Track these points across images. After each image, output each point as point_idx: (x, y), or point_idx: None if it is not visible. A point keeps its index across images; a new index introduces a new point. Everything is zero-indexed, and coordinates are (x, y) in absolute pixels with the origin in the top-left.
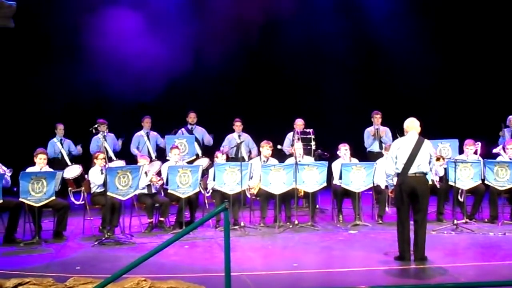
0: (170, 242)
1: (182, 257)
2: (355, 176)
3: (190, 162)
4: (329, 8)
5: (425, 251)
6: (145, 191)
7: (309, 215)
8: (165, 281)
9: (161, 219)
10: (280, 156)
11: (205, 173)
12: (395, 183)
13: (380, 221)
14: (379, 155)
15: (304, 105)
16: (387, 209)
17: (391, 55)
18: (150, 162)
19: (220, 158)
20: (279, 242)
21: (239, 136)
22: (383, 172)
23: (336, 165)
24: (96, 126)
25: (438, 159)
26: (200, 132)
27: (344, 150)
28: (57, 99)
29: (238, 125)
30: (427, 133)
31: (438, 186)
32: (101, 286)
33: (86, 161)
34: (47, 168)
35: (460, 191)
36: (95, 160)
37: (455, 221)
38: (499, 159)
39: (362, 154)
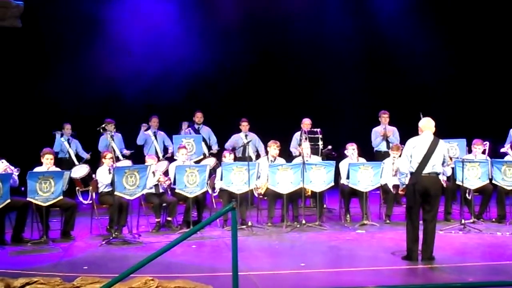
0: (177, 242)
1: (190, 256)
2: (362, 175)
3: (197, 162)
4: (337, 7)
5: (433, 250)
6: (153, 190)
7: (316, 214)
8: (173, 280)
9: (169, 218)
10: (288, 155)
11: (212, 172)
12: (407, 182)
13: (388, 221)
14: (386, 154)
15: (311, 104)
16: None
17: (399, 54)
18: (158, 162)
19: (228, 157)
20: (286, 241)
21: (246, 136)
22: (391, 172)
23: (343, 165)
24: (103, 125)
25: None
26: (207, 131)
27: (351, 149)
28: (65, 99)
29: (244, 125)
30: (435, 132)
31: (445, 185)
32: (108, 285)
33: (93, 160)
34: (55, 168)
35: (467, 190)
36: (103, 160)
37: (463, 221)
38: (506, 158)
39: (370, 154)
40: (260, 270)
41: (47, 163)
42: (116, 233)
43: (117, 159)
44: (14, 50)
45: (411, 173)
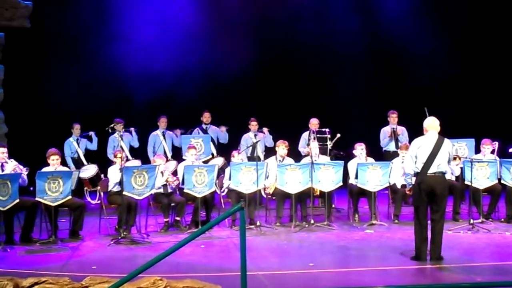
0: (186, 242)
1: (198, 256)
2: (371, 175)
3: (206, 162)
4: (345, 7)
5: (441, 250)
6: (161, 190)
7: (325, 214)
8: (181, 280)
9: (177, 218)
10: (296, 155)
11: (220, 172)
12: (413, 182)
13: (396, 221)
14: (395, 154)
15: (320, 104)
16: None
17: (408, 54)
18: (166, 162)
19: (236, 157)
20: (295, 241)
21: (255, 135)
22: (399, 172)
23: (352, 165)
24: (112, 125)
25: (454, 158)
26: (215, 131)
27: (360, 149)
28: (74, 99)
29: (253, 124)
30: (443, 132)
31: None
32: (117, 285)
33: (101, 160)
34: (62, 168)
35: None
36: (114, 159)
37: (472, 221)
38: None
39: (378, 154)
40: (269, 270)
41: (53, 163)
42: (124, 233)
43: (126, 159)
44: (23, 50)
45: (417, 173)
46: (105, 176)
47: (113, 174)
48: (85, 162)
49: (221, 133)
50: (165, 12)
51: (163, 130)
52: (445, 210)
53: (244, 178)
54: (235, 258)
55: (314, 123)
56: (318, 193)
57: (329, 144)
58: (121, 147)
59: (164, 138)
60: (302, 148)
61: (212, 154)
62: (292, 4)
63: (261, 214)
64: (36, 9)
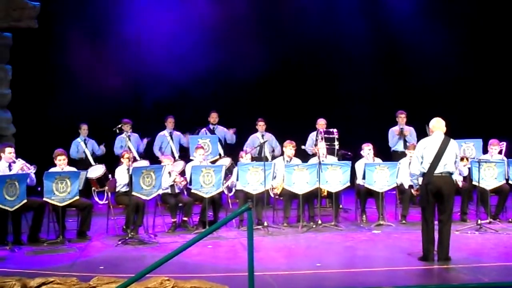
0: (193, 242)
1: (206, 256)
2: (378, 176)
3: (213, 162)
4: (352, 8)
5: (449, 251)
6: (169, 191)
7: (332, 215)
8: (188, 280)
9: (185, 218)
10: (304, 156)
11: (227, 172)
12: (420, 183)
13: (404, 221)
14: (403, 154)
15: (327, 104)
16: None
17: (415, 54)
18: (174, 162)
19: (244, 158)
20: (302, 242)
21: (263, 136)
22: (407, 172)
23: (359, 165)
24: (120, 126)
25: (462, 159)
26: (222, 131)
27: (367, 150)
28: (81, 99)
29: (261, 125)
30: (451, 133)
31: (461, 185)
32: (124, 285)
33: (109, 161)
34: (70, 168)
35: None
36: (122, 159)
37: (479, 221)
38: None
39: (386, 154)
40: (276, 270)
41: (60, 164)
42: (132, 233)
43: (134, 160)
44: (30, 51)
45: (423, 174)
46: (113, 176)
47: (121, 175)
48: (92, 163)
49: (229, 135)
50: (173, 14)
51: (170, 130)
52: (452, 210)
53: (251, 178)
54: (243, 259)
55: (321, 123)
56: (325, 193)
57: (337, 145)
58: (128, 147)
59: (172, 138)
60: (308, 147)
61: (220, 155)
62: (299, 5)
63: (268, 214)
64: (43, 9)
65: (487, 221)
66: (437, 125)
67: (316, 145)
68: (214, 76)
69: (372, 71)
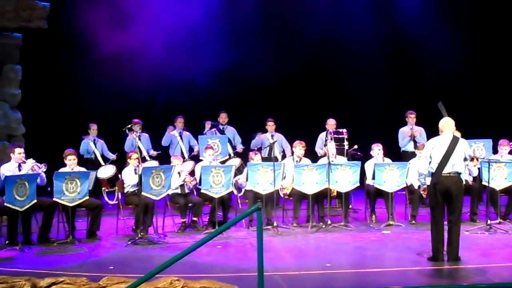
0: (203, 242)
1: (215, 257)
2: (388, 176)
3: (223, 162)
4: (362, 7)
5: (458, 251)
6: (178, 191)
7: (342, 215)
8: (198, 280)
9: (194, 219)
10: (313, 156)
11: (237, 173)
12: (427, 183)
13: (413, 221)
14: (413, 155)
15: (337, 105)
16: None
17: (425, 54)
18: (183, 162)
19: (255, 159)
20: (312, 242)
21: (272, 136)
22: (416, 172)
23: (369, 165)
24: (130, 126)
25: (472, 159)
26: (232, 132)
27: (377, 150)
28: (91, 99)
29: (270, 125)
30: (461, 133)
31: (470, 183)
32: (134, 285)
33: (119, 161)
34: (79, 168)
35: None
36: (128, 160)
37: (489, 221)
38: None
39: (395, 154)
40: (286, 270)
41: (70, 164)
42: (141, 233)
43: (144, 160)
44: (40, 51)
45: (432, 174)
46: (121, 176)
47: (128, 176)
48: (102, 163)
49: (237, 136)
50: (183, 14)
51: (180, 130)
52: (461, 210)
53: (261, 178)
54: (252, 259)
55: (331, 123)
56: (335, 193)
57: (346, 145)
58: (138, 147)
59: (181, 138)
60: (319, 148)
61: (229, 155)
62: (309, 5)
63: (278, 214)
64: (53, 10)
65: (497, 221)
66: (447, 125)
67: (325, 145)
68: (224, 76)
69: (382, 71)
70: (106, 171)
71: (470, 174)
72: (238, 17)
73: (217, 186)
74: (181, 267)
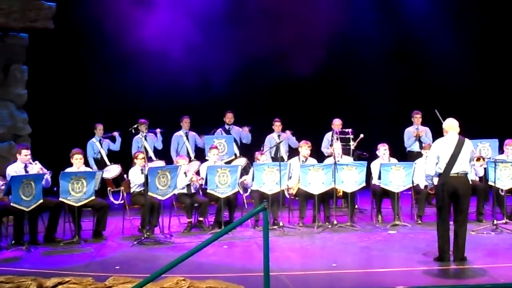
0: (209, 242)
1: (221, 257)
2: (394, 176)
3: (229, 162)
4: (367, 7)
5: (465, 251)
6: (185, 191)
7: (348, 215)
8: (204, 280)
9: (200, 219)
10: (319, 156)
11: (243, 173)
12: (435, 183)
13: (420, 221)
14: (419, 155)
15: (343, 105)
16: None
17: (431, 54)
18: (189, 162)
19: (261, 159)
20: (318, 242)
21: (279, 136)
22: (423, 172)
23: (375, 165)
24: (136, 126)
25: (478, 159)
26: (237, 132)
27: (383, 150)
28: (97, 99)
29: (277, 125)
30: (467, 133)
31: (476, 183)
32: (140, 285)
33: (125, 161)
34: (85, 168)
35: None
36: (135, 160)
37: (495, 222)
38: None
39: (401, 154)
40: (292, 270)
41: (77, 163)
42: (147, 233)
43: (150, 160)
44: (46, 51)
45: (439, 174)
46: (128, 176)
47: (134, 176)
48: (108, 163)
49: (244, 133)
50: (189, 15)
51: (186, 130)
52: (468, 211)
53: (267, 178)
54: (258, 259)
55: (337, 123)
56: (341, 193)
57: (352, 145)
58: (144, 147)
59: (187, 138)
60: (325, 148)
61: (235, 155)
62: (314, 6)
63: (284, 214)
64: (59, 10)
65: (503, 221)
66: (451, 126)
67: (331, 145)
68: (230, 76)
69: (388, 71)
70: (112, 171)
71: (476, 174)
72: (244, 18)
73: (223, 186)
74: (187, 267)
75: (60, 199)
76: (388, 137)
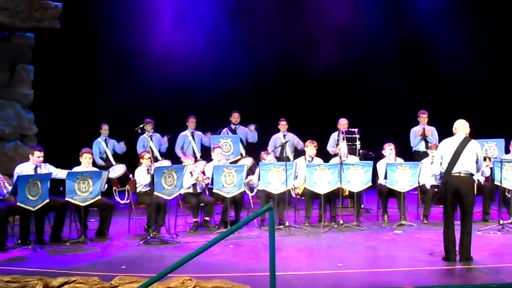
0: (215, 242)
1: (227, 256)
2: (400, 175)
3: (235, 162)
4: (374, 7)
5: (471, 251)
6: (191, 190)
7: (354, 215)
8: (210, 280)
9: (206, 218)
10: (325, 155)
11: (249, 172)
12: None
13: (426, 221)
14: (425, 154)
15: (349, 104)
16: None
17: (438, 53)
18: (195, 162)
19: (267, 159)
20: (324, 242)
21: (284, 135)
22: (429, 172)
23: (381, 165)
24: (142, 125)
25: (484, 159)
26: (243, 132)
27: (389, 149)
28: (103, 99)
29: (283, 124)
30: (473, 132)
31: (482, 183)
32: (146, 285)
33: (130, 160)
34: (92, 168)
35: (506, 189)
36: (141, 160)
37: (501, 221)
38: None
39: (407, 154)
40: (298, 270)
41: (86, 162)
42: (154, 233)
43: (155, 160)
44: (52, 51)
45: (443, 173)
46: (133, 176)
47: (140, 175)
48: (113, 162)
49: (250, 133)
50: (198, 14)
51: (192, 130)
52: (472, 210)
53: (273, 178)
54: (264, 258)
55: (343, 123)
56: (347, 193)
57: (358, 145)
58: (150, 147)
59: (193, 138)
60: (331, 148)
61: (241, 154)
62: (321, 4)
63: (290, 214)
64: (65, 10)
65: (509, 221)
66: (459, 127)
67: (337, 145)
68: (236, 76)
69: (394, 70)
70: (116, 171)
71: (482, 174)
72: (252, 18)
73: (229, 186)
74: (193, 267)
75: (66, 198)
76: (394, 136)
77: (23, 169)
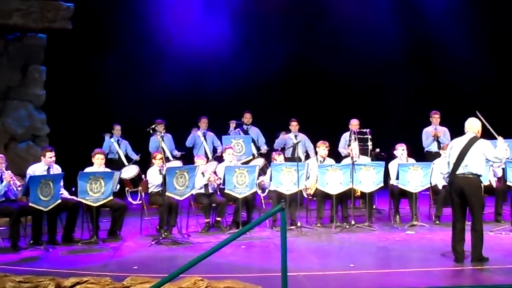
0: (227, 242)
1: (239, 257)
2: (412, 176)
3: (246, 163)
4: (385, 8)
5: (482, 252)
6: (202, 191)
7: (366, 215)
8: (222, 280)
9: (218, 219)
10: (337, 156)
11: (260, 173)
12: None
13: (437, 222)
14: (437, 155)
15: (360, 105)
16: None
17: (450, 54)
18: (207, 163)
19: (278, 159)
20: (335, 242)
21: (296, 136)
22: (440, 172)
23: (393, 165)
24: (153, 126)
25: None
26: (256, 132)
27: (401, 150)
28: (115, 100)
29: (294, 125)
30: (483, 133)
31: (494, 186)
32: (158, 285)
33: (143, 161)
34: (105, 169)
35: None
36: (153, 160)
37: None
38: None
39: (419, 154)
40: (309, 270)
41: (98, 163)
42: (165, 233)
43: (167, 160)
44: (64, 52)
45: (449, 174)
46: (145, 177)
47: (152, 176)
48: (126, 163)
49: (262, 137)
50: (207, 15)
51: (204, 130)
52: (479, 211)
53: (284, 178)
54: (276, 259)
55: (354, 123)
56: (359, 193)
57: (370, 145)
58: (162, 148)
59: (205, 139)
60: (342, 148)
61: (253, 155)
62: (331, 5)
63: (301, 214)
64: (77, 10)
65: None
66: (468, 126)
67: (349, 145)
68: (247, 76)
69: (406, 71)
70: (129, 172)
71: (494, 175)
72: (261, 19)
73: (241, 186)
74: (205, 267)
75: (78, 199)
76: (406, 137)
77: (36, 169)
